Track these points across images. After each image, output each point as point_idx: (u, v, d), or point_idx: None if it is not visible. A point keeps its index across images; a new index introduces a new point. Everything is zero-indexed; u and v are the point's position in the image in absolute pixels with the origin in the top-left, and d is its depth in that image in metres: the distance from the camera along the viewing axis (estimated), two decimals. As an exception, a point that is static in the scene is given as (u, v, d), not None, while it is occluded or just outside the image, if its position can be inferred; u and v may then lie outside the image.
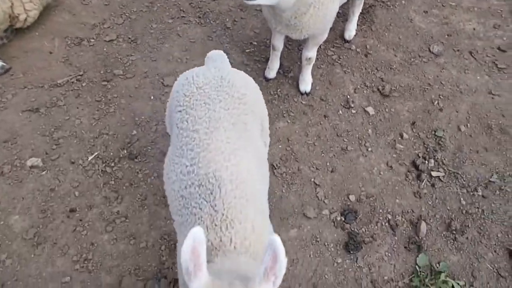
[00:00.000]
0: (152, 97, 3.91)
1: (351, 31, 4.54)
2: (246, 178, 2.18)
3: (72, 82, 3.96)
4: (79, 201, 3.36)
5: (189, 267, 1.63)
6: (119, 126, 3.73)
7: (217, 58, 2.58)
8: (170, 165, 2.28)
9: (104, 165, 3.52)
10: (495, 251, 3.48)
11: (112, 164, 3.53)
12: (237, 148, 2.23)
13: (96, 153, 3.57)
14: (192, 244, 1.62)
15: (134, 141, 3.66)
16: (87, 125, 3.71)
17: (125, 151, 3.60)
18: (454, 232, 3.51)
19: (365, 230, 3.47)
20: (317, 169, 3.69)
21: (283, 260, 1.58)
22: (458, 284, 3.26)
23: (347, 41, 4.56)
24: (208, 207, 2.05)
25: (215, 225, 2.02)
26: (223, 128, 2.25)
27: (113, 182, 3.45)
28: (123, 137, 3.67)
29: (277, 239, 1.58)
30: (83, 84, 3.96)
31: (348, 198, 3.60)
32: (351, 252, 3.36)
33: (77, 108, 3.80)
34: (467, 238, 3.51)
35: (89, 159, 3.53)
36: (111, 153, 3.58)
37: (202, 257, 1.64)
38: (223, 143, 2.20)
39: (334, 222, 3.47)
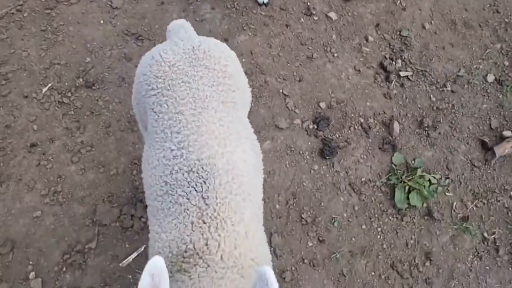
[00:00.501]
0: (102, 22, 3.65)
1: None
2: (243, 171, 1.87)
3: (12, 13, 3.63)
4: (39, 135, 3.16)
5: None
6: (70, 55, 3.48)
7: (180, 28, 2.15)
8: (150, 151, 1.94)
9: (60, 96, 3.30)
10: (467, 143, 3.53)
11: (69, 94, 3.32)
12: (231, 132, 1.92)
13: (49, 85, 3.34)
14: (151, 282, 1.36)
15: (89, 68, 3.43)
16: (36, 57, 3.44)
17: (81, 80, 3.38)
18: (427, 128, 3.52)
19: (339, 136, 3.43)
20: (284, 79, 3.58)
21: None
22: (434, 177, 3.31)
23: None
24: (198, 198, 1.72)
25: (203, 222, 1.69)
26: (213, 109, 1.92)
27: (72, 112, 3.26)
28: (77, 66, 3.43)
29: (267, 270, 1.34)
30: (25, 15, 3.64)
31: (319, 105, 3.52)
32: (327, 158, 3.33)
33: (22, 40, 3.51)
34: (439, 133, 3.53)
35: (43, 92, 3.30)
36: (66, 83, 3.36)
37: None
38: (215, 126, 1.88)
39: (307, 131, 3.41)
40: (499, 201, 3.36)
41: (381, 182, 3.31)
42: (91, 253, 2.89)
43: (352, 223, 3.17)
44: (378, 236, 3.15)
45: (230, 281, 1.58)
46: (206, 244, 1.64)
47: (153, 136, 1.94)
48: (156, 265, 1.36)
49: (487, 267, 3.14)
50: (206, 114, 1.88)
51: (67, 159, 3.13)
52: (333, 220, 3.14)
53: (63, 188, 3.04)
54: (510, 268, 3.13)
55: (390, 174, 3.33)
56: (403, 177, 3.30)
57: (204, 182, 1.74)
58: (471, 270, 3.10)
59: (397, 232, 3.16)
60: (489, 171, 3.46)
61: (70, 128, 3.21)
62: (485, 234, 3.24)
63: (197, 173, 1.75)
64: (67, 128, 3.21)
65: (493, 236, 3.24)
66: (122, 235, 2.96)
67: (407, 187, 3.22)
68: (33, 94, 3.29)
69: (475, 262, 3.13)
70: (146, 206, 2.83)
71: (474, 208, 3.32)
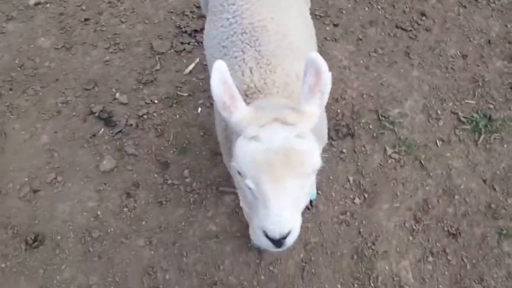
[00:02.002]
0: None
1: None
2: (293, 32, 2.14)
3: None
4: (88, 13, 3.85)
5: (225, 101, 1.56)
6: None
7: None
8: (210, 25, 2.26)
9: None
10: None
11: (103, -18, 4.01)
12: (280, 2, 2.21)
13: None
14: (220, 75, 1.54)
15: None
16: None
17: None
18: None
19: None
20: None
21: (327, 74, 1.52)
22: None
23: None
24: (252, 50, 1.99)
25: (260, 67, 1.95)
26: None
27: (110, -9, 3.95)
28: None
29: (316, 55, 1.50)
30: None
31: None
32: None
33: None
34: None
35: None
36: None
37: (235, 87, 1.56)
38: None
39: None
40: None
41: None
42: (158, 73, 3.54)
43: (357, 8, 3.85)
44: (380, 12, 3.83)
45: (286, 102, 1.85)
46: (265, 83, 1.91)
47: (212, 11, 2.28)
48: (222, 64, 1.57)
49: (471, 11, 3.82)
50: None
51: (116, 21, 3.81)
52: (341, 10, 3.82)
53: (121, 40, 3.72)
54: (489, 8, 3.81)
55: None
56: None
57: (257, 40, 2.01)
58: (459, 15, 3.78)
59: (394, 6, 3.84)
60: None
61: (112, 1, 3.91)
62: None
63: (250, 33, 2.04)
64: (109, 2, 3.91)
65: None
66: (178, 56, 3.62)
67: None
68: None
69: (461, 9, 3.82)
70: (190, 34, 3.52)
71: None
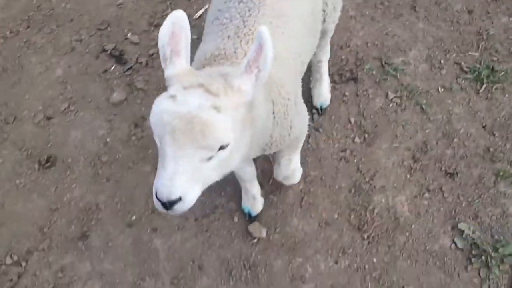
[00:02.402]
0: None
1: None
2: (291, 15, 2.08)
3: None
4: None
5: (165, 52, 1.55)
6: None
7: None
8: None
9: None
10: None
11: None
12: None
13: None
14: (172, 25, 1.52)
15: None
16: None
17: None
18: None
19: None
20: None
21: (268, 52, 1.44)
22: None
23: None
24: (239, 20, 1.95)
25: (237, 36, 1.90)
26: None
27: None
28: None
29: (265, 30, 1.42)
30: None
31: None
32: None
33: None
34: None
35: None
36: None
37: (183, 43, 1.54)
38: None
39: None
40: None
41: None
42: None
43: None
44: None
45: None
46: (235, 52, 1.84)
47: None
48: (178, 15, 1.54)
49: (481, -30, 3.87)
50: None
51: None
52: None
53: (135, -13, 3.83)
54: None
55: None
56: None
57: (248, 10, 1.95)
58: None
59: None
60: None
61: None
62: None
63: (246, 4, 1.98)
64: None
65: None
66: (188, 2, 3.72)
67: None
68: None
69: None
70: None
71: None
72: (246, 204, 2.82)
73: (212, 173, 1.58)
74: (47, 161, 3.07)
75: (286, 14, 2.05)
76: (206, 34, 2.10)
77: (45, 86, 3.35)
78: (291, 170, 2.56)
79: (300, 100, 2.20)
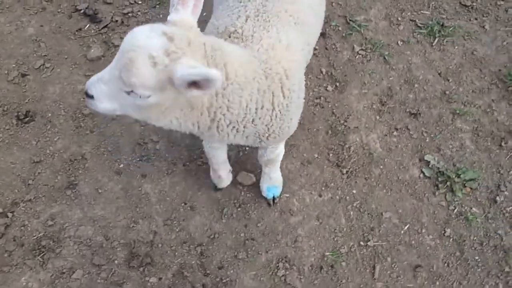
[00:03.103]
0: None
1: None
2: (304, 8, 2.18)
3: None
4: None
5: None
6: None
7: None
8: None
9: None
10: None
11: None
12: None
13: None
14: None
15: None
16: None
17: None
18: None
19: None
20: None
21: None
22: None
23: None
24: (258, 2, 2.05)
25: (257, 20, 1.99)
26: None
27: None
28: None
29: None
30: None
31: None
32: None
33: None
34: None
35: None
36: None
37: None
38: None
39: None
40: None
41: None
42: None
43: None
44: None
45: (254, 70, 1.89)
46: (252, 36, 1.96)
47: None
48: None
49: None
50: None
51: None
52: None
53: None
54: None
55: None
56: None
57: None
58: None
59: None
60: None
61: None
62: None
63: None
64: None
65: None
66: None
67: None
68: None
69: None
70: None
71: None
72: (213, 178, 2.84)
73: (129, 108, 1.74)
74: (26, 115, 3.03)
75: (300, 1, 2.16)
76: (219, 9, 2.15)
77: (17, 44, 3.30)
78: (275, 154, 2.62)
79: (302, 93, 2.25)
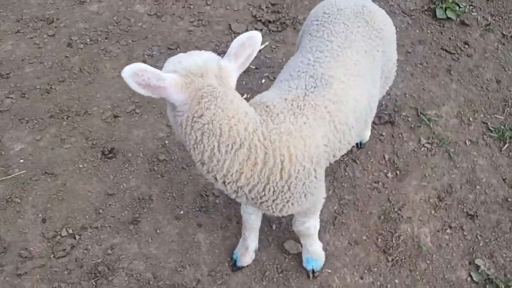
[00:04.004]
0: None
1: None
2: (348, 107, 2.26)
3: None
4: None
5: (230, 51, 1.93)
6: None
7: None
8: (294, 59, 2.47)
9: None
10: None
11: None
12: (360, 75, 2.33)
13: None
14: (245, 40, 1.90)
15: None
16: None
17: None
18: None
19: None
20: None
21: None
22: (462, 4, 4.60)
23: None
24: (302, 91, 2.20)
25: (291, 104, 2.14)
26: (356, 50, 2.34)
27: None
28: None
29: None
30: None
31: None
32: None
33: None
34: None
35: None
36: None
37: (245, 54, 1.91)
38: (351, 62, 2.30)
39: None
40: None
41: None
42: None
43: (409, 29, 4.41)
44: (428, 35, 4.39)
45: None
46: (278, 114, 2.10)
47: (301, 51, 2.46)
48: (255, 35, 1.96)
49: (508, 48, 4.34)
50: (349, 51, 2.32)
51: (202, 3, 4.46)
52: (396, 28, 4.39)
53: (204, 18, 4.34)
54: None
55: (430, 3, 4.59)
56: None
57: (314, 87, 2.20)
58: (497, 49, 4.31)
59: (441, 33, 4.41)
60: None
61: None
62: (504, 32, 4.49)
63: (314, 79, 2.22)
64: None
65: (510, 34, 4.47)
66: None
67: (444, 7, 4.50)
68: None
69: (500, 45, 4.34)
70: (263, 23, 4.13)
71: (493, 21, 4.58)
72: (238, 251, 2.96)
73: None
74: (110, 152, 3.41)
75: (343, 101, 2.24)
76: (274, 86, 2.37)
77: (116, 89, 3.76)
78: (304, 227, 2.69)
79: (315, 184, 2.26)
